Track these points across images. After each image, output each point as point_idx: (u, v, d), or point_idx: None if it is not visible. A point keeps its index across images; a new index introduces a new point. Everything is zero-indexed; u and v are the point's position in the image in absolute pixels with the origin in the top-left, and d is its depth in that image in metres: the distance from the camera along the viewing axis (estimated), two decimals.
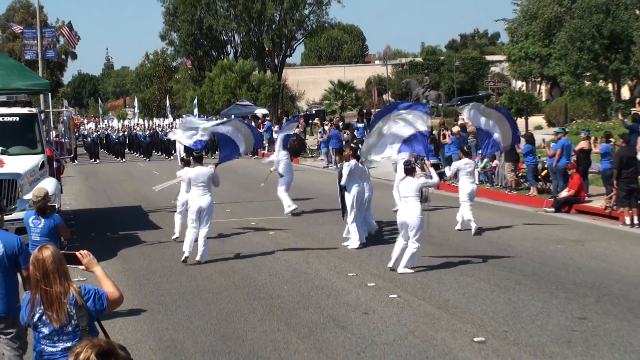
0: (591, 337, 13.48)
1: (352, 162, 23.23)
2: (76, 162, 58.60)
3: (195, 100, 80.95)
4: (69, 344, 7.74)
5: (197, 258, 20.43)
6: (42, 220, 14.48)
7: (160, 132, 68.42)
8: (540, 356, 12.54)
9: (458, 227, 24.41)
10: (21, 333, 11.10)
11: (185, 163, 23.20)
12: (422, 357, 12.69)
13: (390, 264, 19.02)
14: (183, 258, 20.54)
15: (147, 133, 69.61)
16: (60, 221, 14.70)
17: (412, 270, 18.68)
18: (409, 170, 19.14)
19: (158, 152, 68.04)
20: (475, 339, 13.52)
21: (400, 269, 18.69)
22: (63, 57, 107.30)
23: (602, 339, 13.36)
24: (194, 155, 21.36)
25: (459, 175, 24.80)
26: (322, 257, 21.30)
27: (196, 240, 20.56)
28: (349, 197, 22.86)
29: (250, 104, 77.41)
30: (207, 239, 20.68)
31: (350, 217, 22.67)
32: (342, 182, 23.18)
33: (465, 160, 24.72)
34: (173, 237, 23.87)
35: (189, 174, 20.98)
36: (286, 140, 30.75)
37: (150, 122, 78.59)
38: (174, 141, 61.77)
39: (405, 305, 16.10)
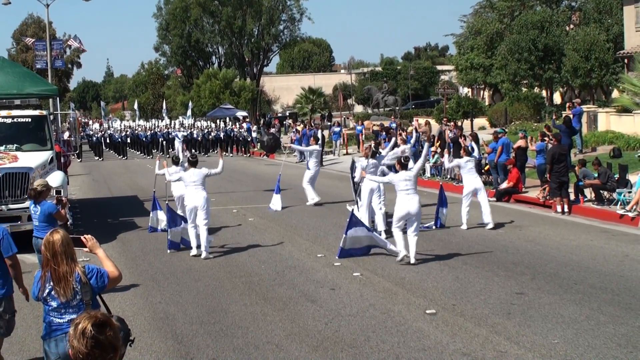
0: (527, 309, 13.54)
1: (371, 159, 22.57)
2: (79, 160, 57.96)
3: (190, 103, 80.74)
4: (74, 316, 7.71)
5: (202, 257, 19.03)
6: (39, 207, 14.53)
7: (158, 133, 67.51)
8: (483, 326, 12.59)
9: (487, 222, 22.37)
10: (7, 310, 10.63)
11: (183, 163, 22.29)
12: (381, 327, 12.71)
13: (404, 253, 17.73)
14: (193, 254, 19.35)
15: (147, 133, 68.71)
16: (54, 209, 14.62)
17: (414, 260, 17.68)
18: (406, 165, 18.47)
19: (157, 151, 67.10)
20: (428, 311, 13.55)
21: (413, 259, 17.57)
22: (69, 66, 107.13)
23: (537, 311, 13.42)
24: (189, 159, 20.40)
25: (462, 173, 23.29)
26: (294, 241, 21.28)
27: (198, 235, 19.50)
28: (364, 191, 21.68)
29: (232, 107, 77.51)
30: (208, 234, 19.55)
31: (362, 208, 21.41)
32: (356, 179, 21.50)
33: (466, 158, 22.87)
34: (192, 254, 19.70)
35: (182, 175, 19.93)
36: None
37: (149, 123, 77.66)
38: (173, 140, 61.74)
39: (367, 282, 16.11)
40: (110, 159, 63.86)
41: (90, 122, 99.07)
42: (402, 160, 18.43)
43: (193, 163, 19.89)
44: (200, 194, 19.43)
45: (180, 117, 79.93)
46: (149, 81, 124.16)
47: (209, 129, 68.26)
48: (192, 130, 67.49)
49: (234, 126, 66.70)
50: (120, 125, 77.05)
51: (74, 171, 44.27)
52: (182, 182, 20.44)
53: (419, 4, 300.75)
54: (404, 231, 17.94)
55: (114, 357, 5.11)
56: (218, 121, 70.52)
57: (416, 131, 33.91)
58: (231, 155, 62.09)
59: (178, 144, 59.02)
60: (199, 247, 19.45)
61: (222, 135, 65.38)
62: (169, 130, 68.01)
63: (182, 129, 66.57)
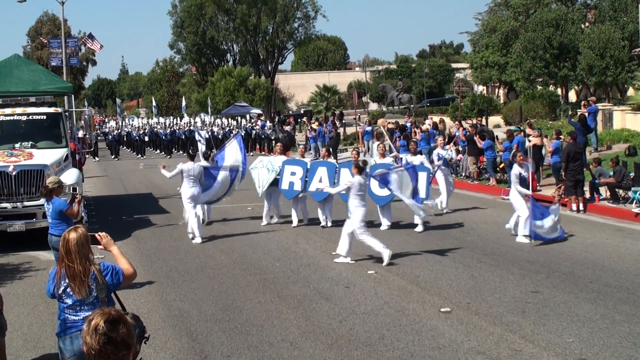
0: (542, 308, 13.50)
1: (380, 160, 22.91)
2: (97, 158, 57.81)
3: (209, 101, 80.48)
4: (89, 313, 7.70)
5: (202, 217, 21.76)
6: (51, 204, 14.64)
7: (177, 131, 65.52)
8: (498, 325, 12.55)
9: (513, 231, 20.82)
10: None
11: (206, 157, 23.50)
12: (395, 325, 12.69)
13: (387, 252, 17.50)
14: (197, 242, 21.00)
15: (167, 131, 66.24)
16: (65, 206, 14.70)
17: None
18: (364, 169, 18.45)
19: (177, 150, 64.66)
20: (442, 310, 13.53)
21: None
22: (84, 63, 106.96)
23: (552, 309, 13.38)
24: (189, 153, 21.98)
25: (511, 179, 21.11)
26: (309, 238, 21.28)
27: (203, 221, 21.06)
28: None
29: (247, 104, 77.46)
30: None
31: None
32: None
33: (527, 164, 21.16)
34: (181, 222, 23.24)
35: (182, 167, 21.15)
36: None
37: (168, 120, 75.47)
38: (194, 138, 61.06)
39: (382, 280, 16.09)
40: (127, 158, 63.00)
41: (106, 120, 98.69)
42: (361, 164, 18.32)
43: (192, 157, 21.69)
44: (194, 189, 21.28)
45: (202, 114, 79.56)
46: (164, 79, 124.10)
47: (230, 127, 66.75)
48: (213, 127, 65.79)
49: (254, 124, 65.04)
50: (139, 123, 75.08)
51: (89, 169, 44.31)
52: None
53: (434, 1, 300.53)
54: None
55: (128, 355, 5.09)
56: (239, 118, 69.64)
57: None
58: (252, 154, 61.19)
59: (201, 144, 57.85)
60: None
61: (243, 133, 63.65)
62: (191, 128, 66.21)
63: (204, 127, 65.10)
